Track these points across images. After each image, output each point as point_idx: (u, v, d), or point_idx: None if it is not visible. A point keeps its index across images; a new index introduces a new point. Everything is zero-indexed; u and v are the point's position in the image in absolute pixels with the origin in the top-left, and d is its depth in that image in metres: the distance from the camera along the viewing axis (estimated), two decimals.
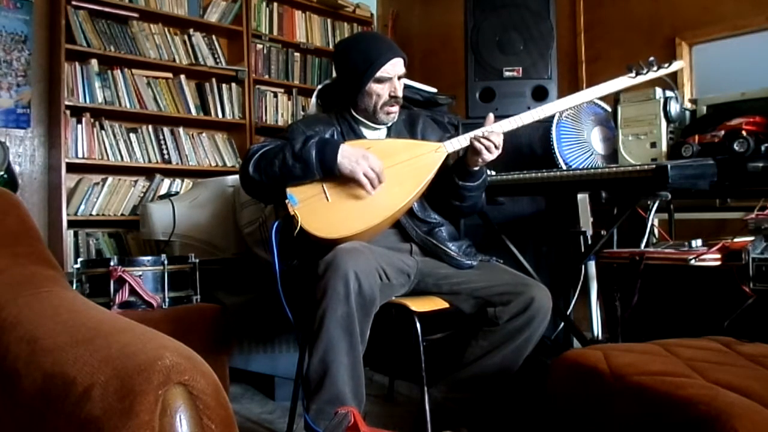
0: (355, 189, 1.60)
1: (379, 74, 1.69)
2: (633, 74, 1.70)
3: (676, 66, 1.74)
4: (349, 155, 1.57)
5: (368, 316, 1.51)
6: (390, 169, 1.64)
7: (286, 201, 1.58)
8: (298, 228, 1.55)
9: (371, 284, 1.48)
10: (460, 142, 1.70)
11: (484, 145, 1.62)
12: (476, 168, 1.69)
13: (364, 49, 1.72)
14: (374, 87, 1.71)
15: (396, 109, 1.76)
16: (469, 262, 1.75)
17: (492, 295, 1.65)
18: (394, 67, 1.71)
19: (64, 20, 2.95)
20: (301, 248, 1.65)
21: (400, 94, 1.74)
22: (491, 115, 1.69)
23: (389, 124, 1.81)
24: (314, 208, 1.58)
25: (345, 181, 1.59)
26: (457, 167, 1.72)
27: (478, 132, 1.65)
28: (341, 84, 1.80)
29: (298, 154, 1.56)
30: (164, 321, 1.87)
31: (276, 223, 1.64)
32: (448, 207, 1.79)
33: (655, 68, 1.69)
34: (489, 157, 1.64)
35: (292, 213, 1.57)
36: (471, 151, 1.66)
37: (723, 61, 2.64)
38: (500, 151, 1.64)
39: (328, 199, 1.59)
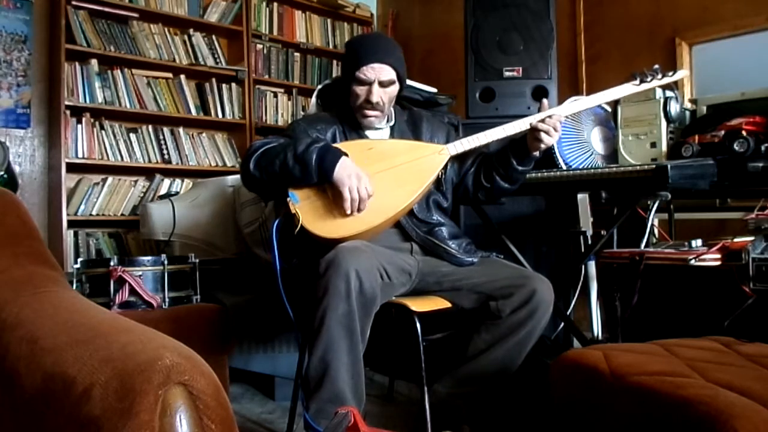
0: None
1: (357, 74, 1.69)
2: (637, 81, 1.72)
3: (679, 75, 1.76)
4: (345, 167, 1.55)
5: (369, 315, 1.51)
6: (391, 170, 1.63)
7: (288, 199, 1.58)
8: (299, 227, 1.55)
9: (372, 283, 1.48)
10: (463, 144, 1.71)
11: (548, 126, 1.65)
12: (536, 153, 1.73)
13: (355, 48, 1.74)
14: (354, 87, 1.71)
15: (374, 113, 1.74)
16: (469, 259, 1.75)
17: (494, 290, 1.66)
18: (374, 71, 1.69)
19: (64, 20, 2.95)
20: (302, 247, 1.65)
21: (374, 99, 1.70)
22: (545, 101, 1.73)
23: (378, 126, 1.79)
24: (315, 208, 1.58)
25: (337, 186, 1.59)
26: (516, 151, 1.74)
27: (539, 116, 1.67)
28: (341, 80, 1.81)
29: (299, 157, 1.56)
30: (164, 321, 1.87)
31: (277, 222, 1.64)
32: (494, 189, 1.81)
33: (659, 76, 1.71)
34: (550, 140, 1.67)
35: (293, 211, 1.56)
36: (531, 136, 1.69)
37: (723, 61, 2.64)
38: (559, 134, 1.69)
39: (330, 199, 1.59)
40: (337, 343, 1.45)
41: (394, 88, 1.75)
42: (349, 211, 1.55)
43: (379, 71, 1.69)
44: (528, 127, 1.69)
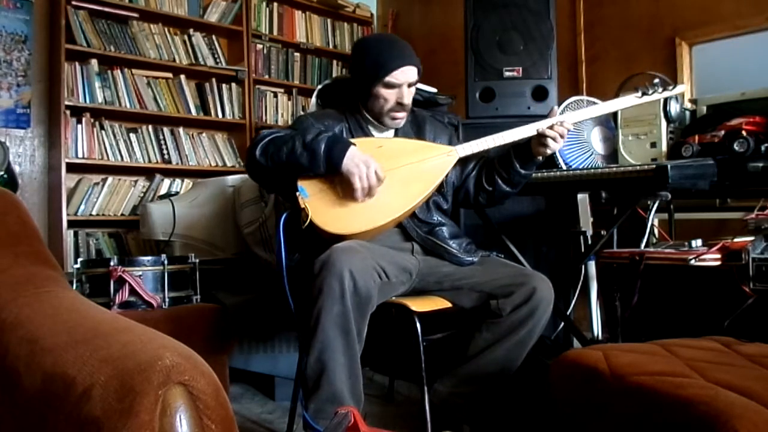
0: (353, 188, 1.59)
1: (387, 79, 1.68)
2: (639, 94, 1.77)
3: (679, 89, 1.81)
4: (353, 156, 1.55)
5: (364, 315, 1.51)
6: (400, 169, 1.63)
7: (297, 193, 1.57)
8: (308, 221, 1.55)
9: (367, 283, 1.48)
10: (472, 147, 1.72)
11: (557, 133, 1.67)
12: (539, 158, 1.75)
13: (379, 51, 1.71)
14: (382, 91, 1.70)
15: (403, 115, 1.75)
16: (470, 258, 1.75)
17: (494, 288, 1.66)
18: (404, 74, 1.69)
19: (64, 20, 2.95)
20: (306, 242, 1.64)
21: (406, 101, 1.72)
22: (555, 107, 1.76)
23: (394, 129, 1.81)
24: (324, 203, 1.58)
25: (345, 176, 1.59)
26: (520, 156, 1.76)
27: (546, 122, 1.69)
28: (353, 82, 1.79)
29: (308, 145, 1.55)
30: (164, 321, 1.87)
31: (284, 215, 1.63)
32: (496, 192, 1.83)
33: (660, 90, 1.76)
34: (556, 147, 1.70)
35: (302, 206, 1.56)
36: (537, 141, 1.71)
37: (723, 61, 2.64)
38: (564, 140, 1.72)
39: (339, 195, 1.59)
40: (332, 343, 1.45)
41: (414, 88, 1.77)
42: (360, 199, 1.56)
43: (408, 73, 1.70)
44: (535, 132, 1.70)
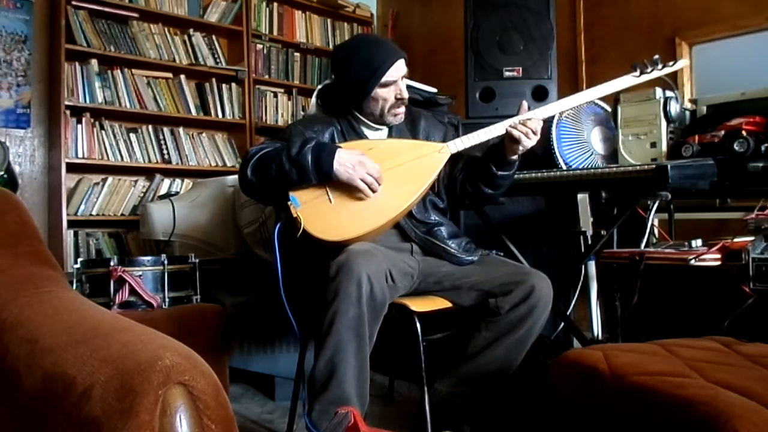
0: (357, 191, 1.60)
1: (384, 79, 1.68)
2: (637, 73, 1.70)
3: (680, 64, 1.74)
4: (345, 161, 1.56)
5: (378, 319, 1.52)
6: (393, 170, 1.63)
7: (289, 203, 1.57)
8: (301, 230, 1.55)
9: (383, 287, 1.49)
10: (464, 142, 1.70)
11: (522, 132, 1.61)
12: (514, 157, 1.69)
13: (366, 54, 1.69)
14: (380, 92, 1.70)
15: (403, 109, 1.76)
16: (469, 258, 1.75)
17: (493, 287, 1.66)
18: (398, 69, 1.70)
19: (64, 20, 2.95)
20: (304, 250, 1.64)
21: (405, 95, 1.73)
22: (524, 103, 1.69)
23: (377, 127, 1.80)
24: (317, 210, 1.58)
25: (346, 183, 1.59)
26: (493, 157, 1.71)
27: (514, 119, 1.64)
28: (343, 90, 1.78)
29: (294, 159, 1.55)
30: (164, 321, 1.87)
31: (279, 226, 1.63)
32: (479, 195, 1.78)
33: (659, 67, 1.69)
34: (528, 144, 1.63)
35: (294, 215, 1.56)
36: (509, 139, 1.65)
37: (723, 61, 2.64)
38: (539, 137, 1.64)
39: (330, 201, 1.59)
40: (346, 346, 1.45)
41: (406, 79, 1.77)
42: (370, 197, 1.57)
43: (400, 67, 1.71)
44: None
